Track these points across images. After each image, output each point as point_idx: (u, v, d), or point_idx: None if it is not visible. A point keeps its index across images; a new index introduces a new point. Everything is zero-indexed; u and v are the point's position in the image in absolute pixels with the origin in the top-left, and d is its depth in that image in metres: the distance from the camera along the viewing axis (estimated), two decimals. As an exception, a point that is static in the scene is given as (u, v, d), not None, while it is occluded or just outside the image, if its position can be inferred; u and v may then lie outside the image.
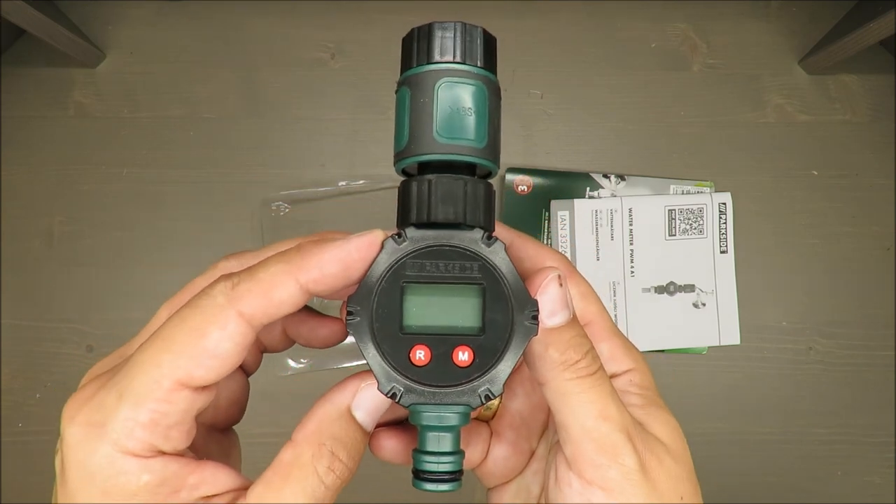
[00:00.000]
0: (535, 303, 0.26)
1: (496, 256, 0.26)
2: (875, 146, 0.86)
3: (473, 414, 0.35)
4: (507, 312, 0.26)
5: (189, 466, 0.24)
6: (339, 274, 0.25)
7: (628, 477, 0.26)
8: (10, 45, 0.87)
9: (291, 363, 0.80)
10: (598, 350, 0.30)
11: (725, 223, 0.83)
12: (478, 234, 0.26)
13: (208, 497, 0.24)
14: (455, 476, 0.28)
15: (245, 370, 0.32)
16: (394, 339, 0.26)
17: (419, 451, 0.28)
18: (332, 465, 0.25)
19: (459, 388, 0.26)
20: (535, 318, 0.26)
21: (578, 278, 0.32)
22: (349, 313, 0.26)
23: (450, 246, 0.27)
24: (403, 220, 0.27)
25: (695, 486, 0.29)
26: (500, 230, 0.32)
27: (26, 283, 0.83)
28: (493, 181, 0.35)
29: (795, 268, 0.85)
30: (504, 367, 0.26)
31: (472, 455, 0.34)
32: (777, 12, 0.90)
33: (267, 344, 0.32)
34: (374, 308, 0.26)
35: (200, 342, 0.24)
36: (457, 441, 0.28)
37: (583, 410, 0.26)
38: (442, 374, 0.26)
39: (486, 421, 0.36)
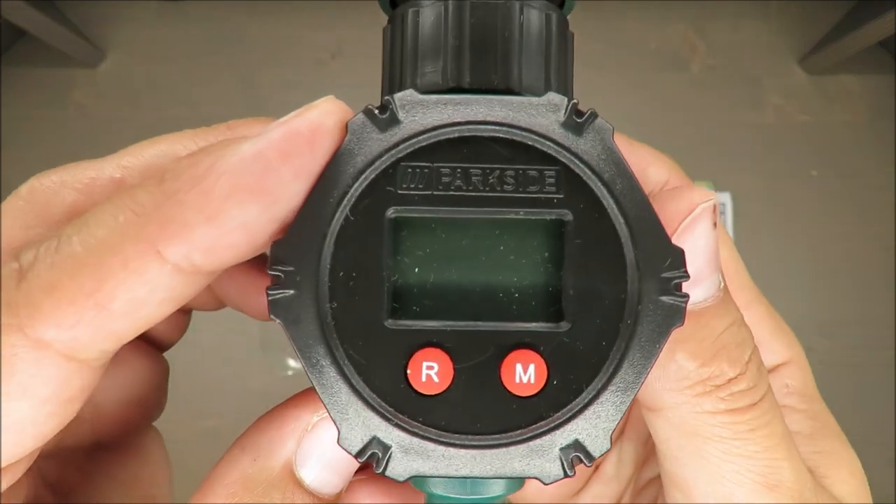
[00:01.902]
0: (681, 254, 0.13)
1: (595, 152, 0.13)
2: (875, 146, 0.86)
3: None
4: (619, 276, 0.13)
5: None
6: (258, 220, 0.13)
7: None
8: (11, 46, 0.87)
9: (292, 363, 0.80)
10: None
11: (725, 223, 0.83)
12: (553, 103, 0.13)
13: None
14: None
15: (156, 342, 0.21)
16: (371, 338, 0.13)
17: None
18: None
19: (515, 446, 0.13)
20: (681, 287, 0.13)
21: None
22: (273, 279, 0.13)
23: (494, 130, 0.13)
24: (391, 86, 0.16)
25: None
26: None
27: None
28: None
29: (795, 268, 0.85)
30: (613, 398, 0.13)
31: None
32: (777, 13, 0.90)
33: (192, 303, 0.21)
34: (327, 269, 0.13)
35: None
36: None
37: (730, 471, 0.15)
38: (478, 412, 0.13)
39: None
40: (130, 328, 0.14)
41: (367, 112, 0.13)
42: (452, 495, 0.15)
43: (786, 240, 0.85)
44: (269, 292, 0.13)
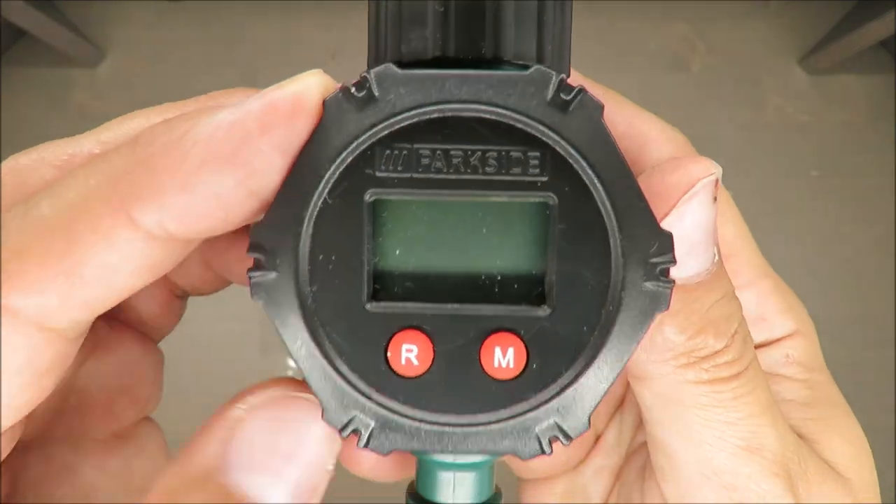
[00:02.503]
0: (669, 239, 0.13)
1: (582, 132, 0.13)
2: (875, 146, 0.86)
3: None
4: (603, 260, 0.13)
5: None
6: (233, 191, 0.12)
7: None
8: (11, 46, 0.87)
9: (292, 364, 0.80)
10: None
11: (725, 223, 0.84)
12: (540, 79, 0.13)
13: None
14: None
15: (147, 329, 0.19)
16: (353, 320, 0.13)
17: (418, 501, 0.17)
18: None
19: (495, 425, 0.14)
20: (667, 272, 0.13)
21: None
22: (254, 262, 0.13)
23: (476, 110, 0.13)
24: (376, 55, 0.15)
25: None
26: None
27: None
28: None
29: (795, 267, 0.85)
30: (592, 383, 0.13)
31: None
32: (777, 12, 0.90)
33: (185, 284, 0.19)
34: (306, 252, 0.13)
35: None
36: (487, 482, 0.16)
37: (712, 437, 0.15)
38: (457, 394, 0.14)
39: None
40: (103, 297, 0.13)
41: (344, 90, 0.13)
42: (440, 459, 0.15)
43: (786, 240, 0.85)
44: (250, 275, 0.13)
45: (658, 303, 0.13)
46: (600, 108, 0.13)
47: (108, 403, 0.18)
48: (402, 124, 0.13)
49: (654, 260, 0.13)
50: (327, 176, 0.13)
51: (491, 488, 0.16)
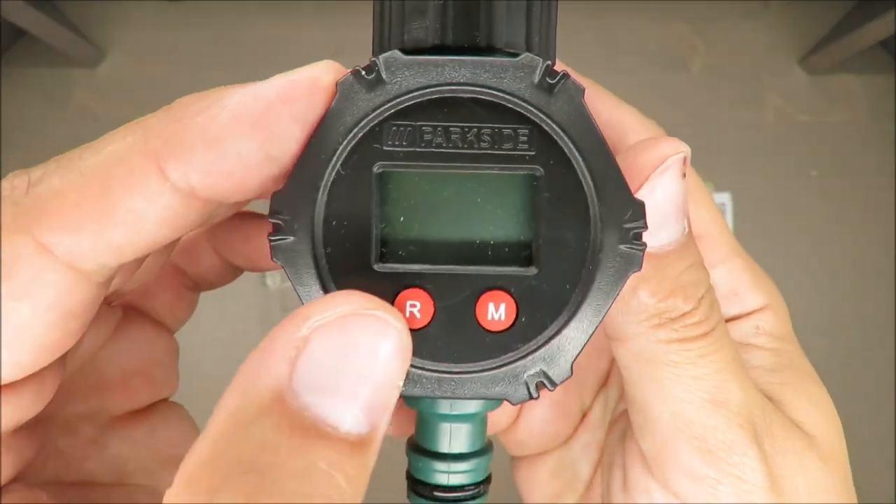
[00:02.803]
0: (641, 207, 0.14)
1: (565, 112, 0.14)
2: (875, 146, 0.86)
3: None
4: (583, 226, 0.14)
5: None
6: (254, 154, 0.14)
7: (748, 496, 0.16)
8: (11, 46, 0.87)
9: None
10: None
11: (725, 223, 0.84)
12: (528, 65, 0.14)
13: None
14: (476, 491, 0.18)
15: (161, 318, 0.20)
16: (362, 279, 0.15)
17: (417, 451, 0.18)
18: None
19: (488, 372, 0.15)
20: (640, 236, 0.14)
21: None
22: (274, 226, 0.15)
23: (472, 91, 0.14)
24: (380, 41, 0.16)
25: (851, 495, 0.19)
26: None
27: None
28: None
29: (795, 267, 0.85)
30: (574, 334, 0.15)
31: (497, 415, 0.22)
32: (777, 12, 0.90)
33: (197, 275, 0.20)
34: (321, 218, 0.14)
35: None
36: (479, 433, 0.18)
37: (681, 391, 0.16)
38: (455, 344, 0.15)
39: None
40: (130, 242, 0.14)
41: (355, 73, 0.15)
42: (438, 411, 0.17)
43: (786, 240, 0.85)
44: (270, 239, 0.15)
45: (631, 263, 0.14)
46: (581, 90, 0.14)
47: (125, 382, 0.19)
48: (407, 104, 0.14)
49: (628, 225, 0.14)
50: (340, 149, 0.14)
51: (483, 440, 0.18)
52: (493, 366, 0.15)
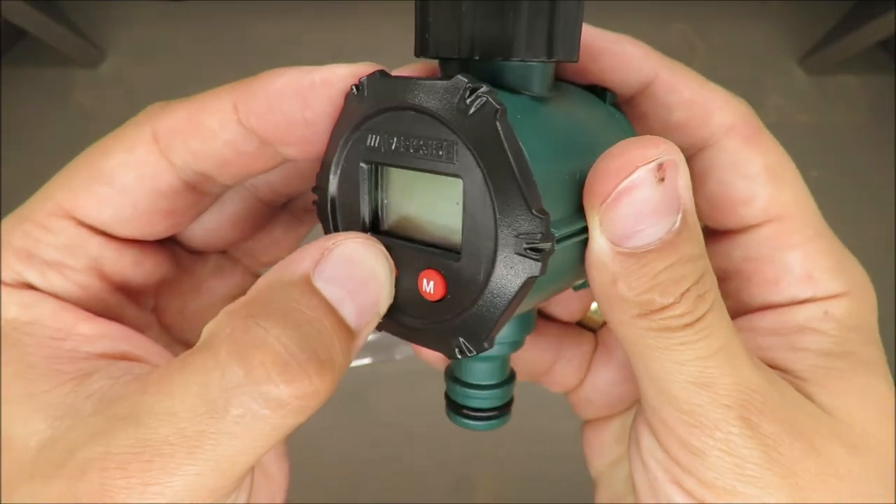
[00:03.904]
0: (540, 219, 0.15)
1: (477, 131, 0.16)
2: (875, 146, 0.86)
3: (572, 318, 0.25)
4: (490, 232, 0.16)
5: (75, 314, 0.19)
6: (294, 113, 0.18)
7: (741, 471, 0.17)
8: (11, 46, 0.87)
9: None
10: (785, 263, 0.20)
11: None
12: (455, 86, 0.16)
13: (112, 356, 0.19)
14: (492, 414, 0.21)
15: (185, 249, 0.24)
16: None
17: (448, 376, 0.22)
18: (268, 356, 0.15)
19: (430, 331, 0.18)
20: (536, 248, 0.16)
21: (764, 142, 0.21)
22: (314, 190, 0.19)
23: (413, 108, 0.17)
24: (420, 49, 0.19)
25: (888, 496, 0.18)
26: (639, 59, 0.20)
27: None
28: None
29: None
30: (486, 314, 0.17)
31: (564, 374, 0.24)
32: (777, 12, 0.90)
33: (197, 241, 0.24)
34: (335, 191, 0.19)
35: (97, 163, 0.19)
36: (498, 371, 0.21)
37: (665, 373, 0.17)
38: (410, 304, 0.18)
39: (593, 330, 0.26)
40: (205, 152, 0.19)
41: (354, 87, 0.18)
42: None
43: (786, 240, 0.85)
44: (314, 203, 0.20)
45: (528, 269, 0.16)
46: (495, 111, 0.15)
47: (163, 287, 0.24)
48: (377, 117, 0.18)
49: (522, 237, 0.16)
50: (342, 145, 0.19)
51: (505, 374, 0.22)
52: (433, 328, 0.18)
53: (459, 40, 0.17)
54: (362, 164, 0.18)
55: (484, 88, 0.16)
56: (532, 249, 0.16)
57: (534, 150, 0.16)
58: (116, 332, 0.19)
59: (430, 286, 0.18)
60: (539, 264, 0.16)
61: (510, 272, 0.16)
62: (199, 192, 0.20)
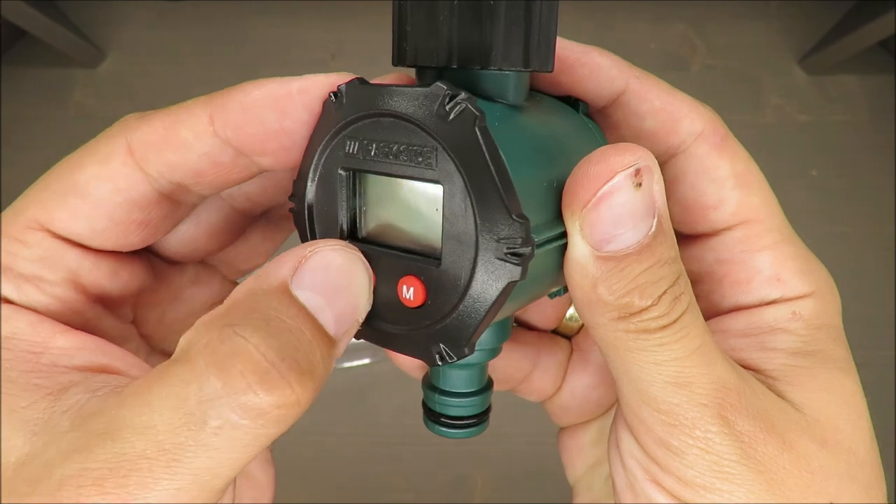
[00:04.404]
0: (521, 224, 0.16)
1: (456, 137, 0.16)
2: (875, 146, 0.86)
3: (548, 326, 0.25)
4: (471, 237, 0.16)
5: (52, 327, 0.18)
6: (271, 123, 0.18)
7: (719, 468, 0.17)
8: (11, 46, 0.87)
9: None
10: (755, 264, 0.20)
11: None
12: (434, 93, 0.16)
13: (90, 369, 0.18)
14: (471, 422, 0.21)
15: (162, 256, 0.23)
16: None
17: (426, 384, 0.22)
18: (248, 365, 0.15)
19: (408, 337, 0.18)
20: (516, 253, 0.16)
21: (732, 148, 0.21)
22: (291, 198, 0.19)
23: (393, 115, 0.17)
24: (397, 58, 0.19)
25: (866, 489, 0.18)
26: (609, 70, 0.20)
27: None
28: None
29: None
30: (466, 320, 0.17)
31: (542, 382, 0.25)
32: (777, 12, 0.90)
33: (174, 249, 0.23)
34: (312, 198, 0.19)
35: (71, 176, 0.19)
36: (477, 378, 0.21)
37: (644, 374, 0.17)
38: (389, 311, 0.18)
39: (568, 337, 0.26)
40: (179, 163, 0.19)
41: (332, 94, 0.18)
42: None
43: (786, 240, 0.85)
44: (291, 210, 0.19)
45: (509, 273, 0.16)
46: (475, 117, 0.15)
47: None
48: (356, 124, 0.18)
49: (503, 242, 0.16)
50: (320, 151, 0.18)
51: (482, 382, 0.21)
52: (412, 333, 0.18)
53: (437, 49, 0.17)
54: (340, 171, 0.18)
55: (463, 95, 0.16)
56: (513, 254, 0.16)
57: (512, 156, 0.16)
58: (94, 345, 0.19)
59: (409, 293, 0.18)
60: (520, 269, 0.16)
61: (491, 277, 0.16)
62: (175, 202, 0.20)
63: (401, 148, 0.17)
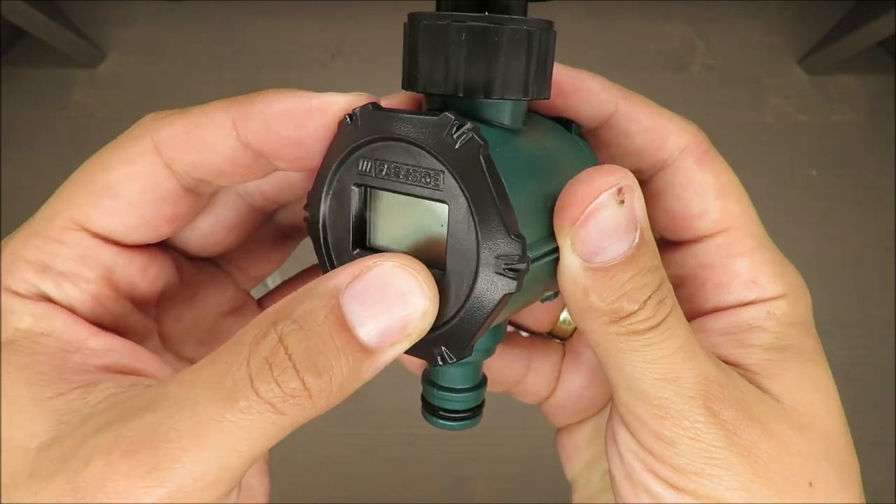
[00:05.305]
0: (518, 242, 0.17)
1: (463, 163, 0.18)
2: (875, 146, 0.86)
3: (543, 328, 0.27)
4: (472, 252, 0.18)
5: (86, 328, 0.20)
6: (289, 135, 0.20)
7: (708, 455, 0.19)
8: (11, 46, 0.87)
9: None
10: (734, 268, 0.22)
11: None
12: (443, 123, 0.18)
13: (118, 370, 0.19)
14: (466, 415, 0.23)
15: (180, 252, 0.25)
16: (344, 258, 0.20)
17: (425, 380, 0.23)
18: (275, 359, 0.16)
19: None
20: (513, 268, 0.18)
21: (714, 162, 0.23)
22: (306, 207, 0.21)
23: (404, 140, 0.18)
24: (407, 83, 0.21)
25: (840, 468, 0.20)
26: (598, 93, 0.22)
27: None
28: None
29: (795, 267, 0.85)
30: (466, 325, 0.19)
31: (536, 384, 0.26)
32: (777, 13, 0.90)
33: (193, 244, 0.25)
34: (325, 210, 0.20)
35: (103, 177, 0.20)
36: (473, 375, 0.23)
37: (636, 372, 0.19)
38: None
39: (563, 339, 0.27)
40: (203, 162, 0.20)
41: (348, 116, 0.20)
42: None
43: (786, 240, 0.85)
44: (305, 220, 0.21)
45: (506, 286, 0.18)
46: (479, 147, 0.17)
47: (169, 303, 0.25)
48: (369, 146, 0.19)
49: (501, 258, 0.17)
50: (335, 167, 0.20)
51: (478, 378, 0.23)
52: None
53: (445, 80, 0.19)
54: (353, 187, 0.20)
55: (469, 125, 0.17)
56: (510, 269, 0.18)
57: (511, 179, 0.18)
58: (124, 348, 0.20)
59: None
60: (515, 282, 0.17)
61: (490, 288, 0.18)
62: (197, 194, 0.22)
63: (410, 169, 0.19)
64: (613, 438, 0.22)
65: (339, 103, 0.20)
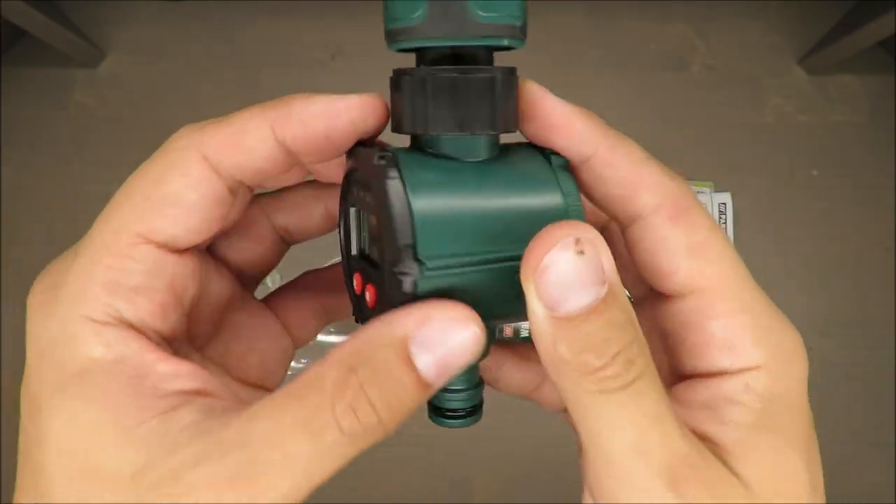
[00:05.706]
0: (405, 251, 0.20)
1: (377, 187, 0.21)
2: (875, 146, 0.86)
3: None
4: (385, 254, 0.21)
5: (156, 352, 0.20)
6: (322, 137, 0.22)
7: None
8: (11, 46, 0.87)
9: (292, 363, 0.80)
10: (710, 331, 0.22)
11: (725, 223, 0.83)
12: (377, 149, 0.21)
13: (188, 392, 0.20)
14: (468, 412, 0.25)
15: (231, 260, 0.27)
16: (346, 261, 0.25)
17: None
18: (357, 403, 0.18)
19: None
20: (402, 272, 0.20)
21: (691, 220, 0.22)
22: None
23: (359, 167, 0.23)
24: (394, 125, 0.24)
25: None
26: (582, 134, 0.23)
27: (28, 284, 0.83)
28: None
29: (795, 268, 0.85)
30: (384, 327, 0.21)
31: (553, 396, 0.27)
32: (777, 12, 0.90)
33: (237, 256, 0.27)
34: (343, 225, 0.25)
35: (160, 189, 0.21)
36: (469, 377, 0.25)
37: (606, 438, 0.19)
38: (366, 309, 0.23)
39: None
40: (247, 164, 0.22)
41: (356, 144, 0.23)
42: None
43: (786, 240, 0.85)
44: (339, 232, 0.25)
45: (400, 293, 0.20)
46: (385, 171, 0.21)
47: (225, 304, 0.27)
48: (354, 173, 0.23)
49: (393, 271, 0.20)
50: (343, 190, 0.24)
51: (475, 380, 0.25)
52: None
53: (424, 121, 0.22)
54: (350, 208, 0.24)
55: (388, 153, 0.21)
56: (400, 273, 0.20)
57: (429, 195, 0.21)
58: (188, 370, 0.21)
59: (368, 294, 0.23)
60: (407, 292, 0.20)
61: (392, 291, 0.21)
62: (235, 194, 0.24)
63: (365, 193, 0.22)
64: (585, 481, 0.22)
65: (358, 103, 0.22)
